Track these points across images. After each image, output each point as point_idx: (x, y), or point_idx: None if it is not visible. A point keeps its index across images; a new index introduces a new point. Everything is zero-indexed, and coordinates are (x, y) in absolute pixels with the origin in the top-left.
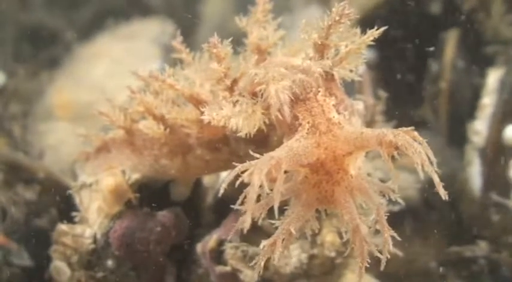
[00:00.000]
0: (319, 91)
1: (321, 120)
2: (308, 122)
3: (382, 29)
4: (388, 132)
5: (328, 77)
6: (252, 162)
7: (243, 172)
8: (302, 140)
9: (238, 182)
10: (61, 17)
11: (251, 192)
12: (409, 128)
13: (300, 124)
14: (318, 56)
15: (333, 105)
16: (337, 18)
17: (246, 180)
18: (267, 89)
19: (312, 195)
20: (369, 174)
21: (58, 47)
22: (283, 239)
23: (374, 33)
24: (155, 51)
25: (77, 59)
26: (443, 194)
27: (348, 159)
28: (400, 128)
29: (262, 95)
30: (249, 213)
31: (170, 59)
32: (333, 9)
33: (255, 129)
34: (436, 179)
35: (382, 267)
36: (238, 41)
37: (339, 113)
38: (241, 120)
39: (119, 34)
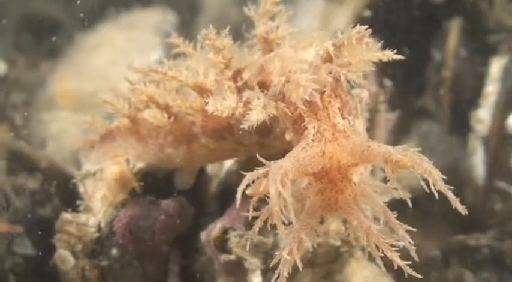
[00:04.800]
0: (324, 91)
1: (326, 127)
2: (314, 127)
3: (399, 57)
4: (395, 152)
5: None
6: (260, 171)
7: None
8: (308, 148)
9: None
10: (62, 6)
11: (273, 204)
12: (416, 149)
13: (306, 127)
14: (329, 59)
15: (338, 108)
16: (353, 41)
17: (254, 193)
18: (289, 83)
19: (315, 202)
20: (371, 172)
21: (59, 37)
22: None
23: (388, 54)
24: (157, 40)
25: (79, 48)
26: (462, 210)
27: (352, 169)
28: (406, 147)
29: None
30: (281, 228)
31: (171, 47)
32: (352, 30)
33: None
34: (452, 196)
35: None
36: (238, 31)
37: (343, 118)
38: (258, 113)
39: (120, 23)
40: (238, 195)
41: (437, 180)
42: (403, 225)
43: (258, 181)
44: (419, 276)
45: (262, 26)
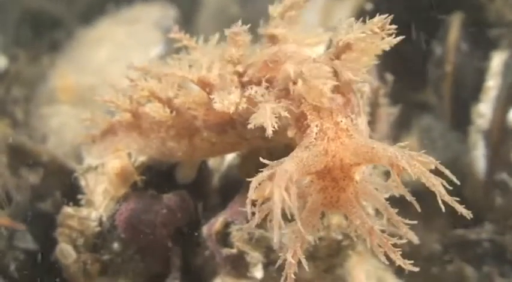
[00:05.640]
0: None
1: (329, 125)
2: (316, 125)
3: (400, 38)
4: (401, 159)
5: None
6: (265, 173)
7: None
8: (311, 147)
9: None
10: (62, 1)
11: (276, 212)
12: (426, 160)
13: (309, 126)
14: (336, 55)
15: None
16: (376, 30)
17: (259, 196)
18: (306, 86)
19: (317, 200)
20: (374, 168)
21: (59, 32)
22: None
23: (389, 40)
24: (157, 35)
25: (79, 43)
26: (468, 214)
27: (355, 168)
28: (413, 153)
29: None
30: (276, 231)
31: (172, 42)
32: (373, 20)
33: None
34: (459, 208)
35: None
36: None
37: (346, 116)
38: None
39: (121, 18)
40: (248, 203)
41: (444, 195)
42: (405, 221)
43: (263, 184)
44: (416, 269)
45: (279, 27)
